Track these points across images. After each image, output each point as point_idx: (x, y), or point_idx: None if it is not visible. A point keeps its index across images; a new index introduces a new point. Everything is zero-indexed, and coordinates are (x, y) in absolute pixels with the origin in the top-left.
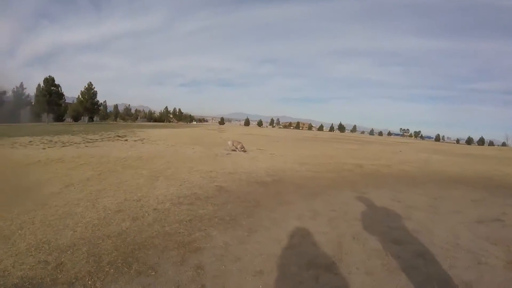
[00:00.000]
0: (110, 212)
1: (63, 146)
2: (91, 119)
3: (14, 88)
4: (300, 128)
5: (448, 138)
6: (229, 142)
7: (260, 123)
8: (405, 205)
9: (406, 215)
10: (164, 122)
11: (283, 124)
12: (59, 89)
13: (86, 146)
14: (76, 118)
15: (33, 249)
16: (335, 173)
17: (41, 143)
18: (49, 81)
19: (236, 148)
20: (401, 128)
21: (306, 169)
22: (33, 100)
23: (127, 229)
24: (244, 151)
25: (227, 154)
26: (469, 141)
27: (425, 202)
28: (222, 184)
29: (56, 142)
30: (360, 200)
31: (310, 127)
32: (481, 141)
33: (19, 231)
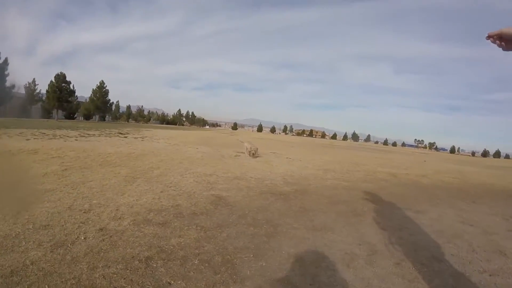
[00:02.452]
0: (31, 227)
1: (51, 139)
2: (102, 118)
3: (26, 84)
4: (314, 136)
5: (462, 150)
6: (246, 144)
7: (273, 130)
8: (482, 230)
9: (496, 248)
10: (176, 124)
11: (296, 131)
12: (71, 86)
13: (76, 140)
14: (87, 117)
15: None
16: (371, 184)
17: (31, 135)
18: (60, 77)
19: (254, 152)
20: (415, 139)
21: (334, 177)
22: (44, 97)
23: (32, 264)
24: (254, 156)
25: (235, 156)
26: (485, 153)
27: (501, 225)
28: (222, 193)
29: (47, 135)
30: (422, 224)
31: (323, 135)
32: (497, 154)
33: None
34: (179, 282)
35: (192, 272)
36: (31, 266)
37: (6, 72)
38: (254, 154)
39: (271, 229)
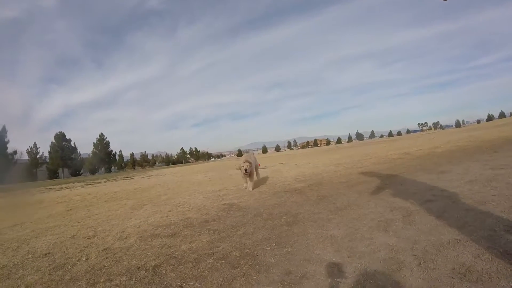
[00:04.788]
0: (31, 256)
1: (56, 191)
2: (108, 170)
3: (27, 149)
4: (319, 145)
5: (467, 122)
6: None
7: (278, 148)
8: None
9: None
10: (182, 163)
11: (300, 145)
12: (71, 143)
13: (82, 187)
14: (93, 171)
15: None
16: (386, 164)
17: (37, 191)
18: (60, 137)
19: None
20: (419, 123)
21: (346, 168)
22: (48, 159)
23: (27, 287)
24: (245, 172)
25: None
26: (490, 118)
27: None
28: (233, 201)
29: (53, 189)
30: (451, 180)
31: (328, 142)
32: (502, 115)
33: None
34: (192, 283)
35: (206, 272)
36: None
37: (6, 140)
38: (246, 172)
39: (291, 218)
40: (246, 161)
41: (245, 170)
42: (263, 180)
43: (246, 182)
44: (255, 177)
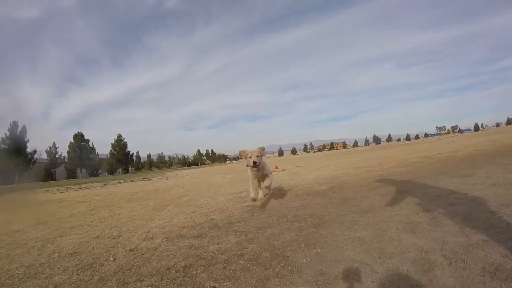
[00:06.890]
0: (57, 255)
1: (76, 190)
2: (125, 171)
3: (47, 148)
4: (335, 148)
5: (486, 126)
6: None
7: (294, 151)
8: None
9: None
10: (198, 164)
11: (317, 148)
12: (90, 143)
13: (101, 187)
14: (111, 172)
15: None
16: (406, 167)
17: (57, 190)
18: (79, 137)
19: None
20: (437, 127)
21: (366, 171)
22: (66, 159)
23: (55, 287)
24: (254, 165)
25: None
26: (510, 121)
27: None
28: (256, 203)
29: (72, 189)
30: (474, 183)
31: (344, 146)
32: None
33: None
34: (225, 283)
35: (238, 272)
36: None
37: (26, 139)
38: (255, 165)
39: (317, 220)
40: (256, 152)
41: (254, 162)
42: (284, 183)
43: (258, 187)
44: (271, 180)
